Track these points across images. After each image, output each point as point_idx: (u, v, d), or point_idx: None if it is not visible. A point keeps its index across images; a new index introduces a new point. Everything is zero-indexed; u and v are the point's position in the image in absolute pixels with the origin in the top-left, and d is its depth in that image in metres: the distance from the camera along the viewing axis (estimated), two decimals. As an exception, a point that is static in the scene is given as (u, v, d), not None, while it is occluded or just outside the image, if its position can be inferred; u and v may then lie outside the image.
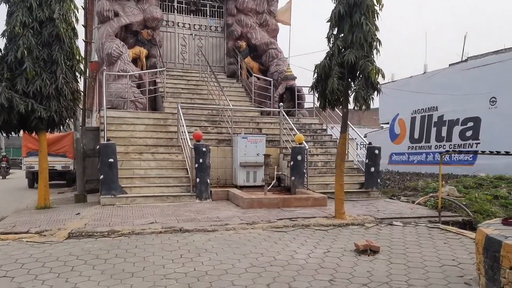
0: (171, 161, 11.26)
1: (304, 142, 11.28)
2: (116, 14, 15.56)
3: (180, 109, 11.85)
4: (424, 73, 21.20)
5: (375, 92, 7.82)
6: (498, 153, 7.33)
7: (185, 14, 17.57)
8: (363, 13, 7.62)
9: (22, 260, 5.39)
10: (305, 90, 15.55)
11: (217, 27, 17.94)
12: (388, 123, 23.47)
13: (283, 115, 12.76)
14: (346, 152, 10.78)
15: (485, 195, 10.32)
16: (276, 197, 9.58)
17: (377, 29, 7.88)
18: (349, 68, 7.68)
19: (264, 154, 10.47)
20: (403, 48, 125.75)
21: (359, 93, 7.55)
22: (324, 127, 14.49)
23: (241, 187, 11.35)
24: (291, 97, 15.53)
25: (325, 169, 12.26)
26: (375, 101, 8.52)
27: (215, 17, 17.94)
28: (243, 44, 17.06)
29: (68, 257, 5.56)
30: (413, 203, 10.07)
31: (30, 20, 9.76)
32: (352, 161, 12.78)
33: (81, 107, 13.44)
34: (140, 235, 6.79)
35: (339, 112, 12.02)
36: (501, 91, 16.43)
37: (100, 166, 9.66)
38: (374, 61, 7.81)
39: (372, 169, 11.40)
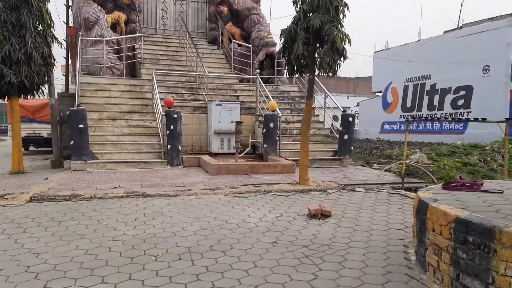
0: (145, 128, 11.27)
1: (277, 109, 11.29)
2: (95, -22, 15.17)
3: (154, 76, 11.77)
4: (419, 40, 20.97)
5: (342, 58, 7.76)
6: (459, 119, 7.38)
7: (165, -23, 17.18)
8: (330, -24, 7.48)
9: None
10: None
11: (197, -10, 17.57)
12: (381, 92, 23.38)
13: (260, 82, 12.68)
14: (311, 119, 10.68)
15: (455, 162, 10.48)
16: (244, 163, 9.67)
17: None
18: (315, 33, 7.61)
19: (235, 121, 10.48)
20: (399, 15, 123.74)
21: (324, 59, 7.51)
22: (303, 95, 14.43)
23: (215, 154, 11.43)
24: (272, 64, 15.41)
25: (299, 136, 12.27)
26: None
27: (196, -20, 17.55)
28: (224, 9, 16.76)
29: (24, 219, 5.66)
30: (383, 171, 10.20)
31: (-4, -18, 9.53)
32: (329, 129, 12.83)
33: (54, 72, 13.26)
34: (102, 199, 6.89)
35: (318, 80, 12.08)
36: (495, 59, 16.29)
37: (70, 132, 9.68)
38: (342, 26, 7.74)
39: (346, 136, 11.47)
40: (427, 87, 19.66)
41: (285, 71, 15.66)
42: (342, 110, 11.93)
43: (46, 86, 11.85)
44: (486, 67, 16.81)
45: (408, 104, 20.95)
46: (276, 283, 3.67)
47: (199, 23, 17.57)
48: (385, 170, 10.00)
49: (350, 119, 11.49)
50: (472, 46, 17.04)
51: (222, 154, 11.48)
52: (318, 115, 13.40)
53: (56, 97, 12.89)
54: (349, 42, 7.73)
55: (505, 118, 7.64)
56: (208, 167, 9.48)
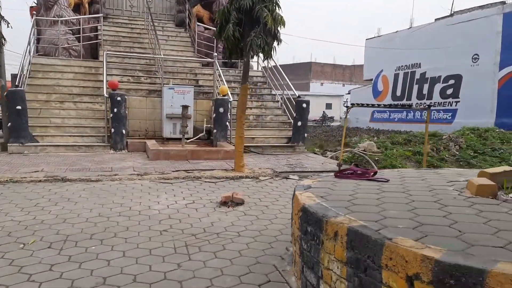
0: (93, 111, 11.02)
1: (229, 93, 11.03)
2: (57, -46, 14.71)
3: (105, 57, 11.45)
4: (410, 27, 20.66)
5: (275, 41, 7.52)
6: (402, 107, 7.18)
7: (132, -44, 16.72)
8: (261, -47, 7.19)
9: None
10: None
11: (168, -29, 17.13)
12: (371, 80, 23.12)
13: (217, 66, 12.39)
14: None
15: (405, 151, 10.32)
16: (185, 149, 9.46)
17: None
18: (246, 13, 7.34)
19: (182, 105, 10.24)
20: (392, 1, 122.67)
21: (254, 40, 7.25)
22: (264, 81, 14.18)
23: (167, 139, 11.22)
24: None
25: (256, 122, 12.13)
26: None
27: (165, -40, 17.10)
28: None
29: None
30: (329, 158, 10.04)
31: None
32: (286, 115, 12.60)
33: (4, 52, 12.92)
34: (18, 183, 6.68)
35: (278, 66, 11.81)
36: (484, 48, 16.02)
37: (8, 113, 9.42)
38: (278, 7, 7.49)
39: (299, 123, 11.26)
40: (417, 76, 19.44)
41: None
42: (297, 96, 11.66)
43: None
44: (475, 56, 16.57)
45: (398, 93, 20.73)
46: (129, 274, 3.50)
47: (168, 5, 17.18)
48: (330, 158, 9.83)
49: (304, 105, 11.26)
50: (462, 34, 16.75)
51: (175, 139, 11.25)
52: (278, 101, 13.17)
53: (8, 78, 12.56)
54: (283, 24, 7.49)
55: (426, 105, 7.44)
56: (148, 152, 9.27)
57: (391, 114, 21.04)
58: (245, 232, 4.66)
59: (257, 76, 14.32)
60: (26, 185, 6.61)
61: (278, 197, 6.37)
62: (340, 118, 38.46)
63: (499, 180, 3.86)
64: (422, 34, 19.05)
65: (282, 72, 12.67)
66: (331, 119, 37.53)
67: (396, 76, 20.80)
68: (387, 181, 4.19)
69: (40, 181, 6.81)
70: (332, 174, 4.69)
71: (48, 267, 3.60)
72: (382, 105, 8.02)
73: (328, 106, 43.96)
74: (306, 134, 11.52)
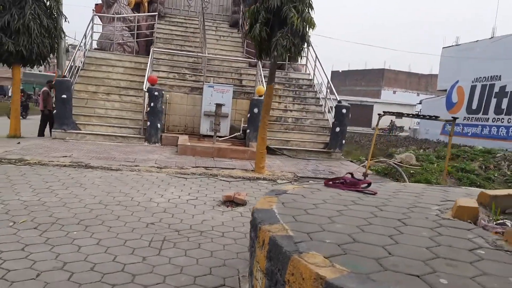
0: (135, 104, 11.44)
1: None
2: (123, -45, 15.52)
3: (152, 54, 11.86)
4: (491, 37, 19.43)
5: (302, 42, 7.31)
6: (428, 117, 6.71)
7: (194, -42, 17.17)
8: (293, -47, 7.04)
9: None
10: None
11: (227, -27, 17.40)
12: (446, 91, 22.06)
13: (260, 67, 12.33)
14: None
15: (448, 167, 9.60)
16: (211, 146, 9.49)
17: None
18: (274, 13, 7.21)
19: (215, 103, 10.30)
20: (472, 10, 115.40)
21: (280, 41, 7.10)
22: (310, 84, 13.88)
23: (204, 136, 11.36)
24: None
25: (294, 125, 11.90)
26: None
27: (225, -37, 17.38)
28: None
29: (-50, 177, 5.97)
30: (361, 166, 9.59)
31: (-1, -46, 10.00)
32: (327, 120, 12.23)
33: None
34: (44, 166, 7.08)
35: (319, 68, 11.53)
36: None
37: (55, 101, 10.05)
38: (309, 8, 7.29)
39: (338, 129, 10.89)
40: (496, 89, 18.20)
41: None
42: (337, 101, 11.28)
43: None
44: None
45: (474, 106, 19.53)
46: (90, 262, 3.53)
47: (225, 6, 17.44)
48: (362, 166, 9.37)
49: (344, 110, 10.86)
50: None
51: (211, 136, 11.34)
52: (321, 105, 12.84)
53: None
54: (312, 26, 7.27)
55: (452, 117, 6.80)
56: (177, 147, 9.45)
57: (465, 128, 19.79)
58: (230, 234, 4.56)
59: (303, 79, 14.07)
60: (51, 168, 6.99)
61: (286, 202, 6.16)
62: (409, 128, 36.84)
63: (500, 203, 3.44)
64: (505, 44, 17.72)
65: (326, 76, 12.34)
66: (400, 129, 35.99)
67: (473, 88, 19.52)
68: (374, 194, 3.88)
69: (64, 165, 7.17)
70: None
71: (21, 247, 3.74)
72: (411, 115, 7.52)
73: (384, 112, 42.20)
74: (344, 141, 11.11)
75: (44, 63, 12.01)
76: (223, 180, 7.26)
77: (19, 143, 9.16)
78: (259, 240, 2.56)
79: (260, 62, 12.30)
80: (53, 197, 5.36)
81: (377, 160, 9.53)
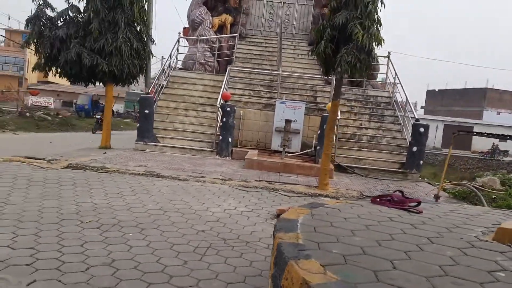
0: (210, 119, 11.99)
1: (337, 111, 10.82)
2: (208, -17, 16.59)
3: (228, 72, 12.41)
4: None
5: (369, 58, 7.20)
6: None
7: (276, -18, 17.70)
8: (360, -31, 7.02)
9: (18, 176, 6.75)
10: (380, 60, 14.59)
11: (307, -6, 17.65)
12: None
13: (333, 84, 12.23)
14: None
15: (539, 192, 8.65)
16: (278, 161, 9.57)
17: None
18: (340, 30, 7.21)
19: (285, 119, 10.41)
20: None
21: (344, 57, 7.06)
22: (389, 101, 13.42)
23: (275, 152, 11.53)
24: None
25: (368, 143, 11.58)
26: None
27: (306, -16, 17.66)
28: (328, 12, 16.50)
29: (43, 179, 6.77)
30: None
31: (99, -13, 11.22)
32: (405, 139, 11.69)
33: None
34: (121, 173, 7.73)
35: (401, 85, 11.08)
36: None
37: (138, 115, 10.91)
38: (376, 24, 7.19)
39: (415, 148, 10.37)
40: None
41: (377, 75, 14.91)
42: (415, 119, 10.76)
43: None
44: None
45: None
46: (135, 261, 3.79)
47: (304, 26, 17.66)
48: (437, 188, 8.78)
49: (421, 129, 10.33)
50: None
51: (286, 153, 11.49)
52: (400, 124, 12.33)
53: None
54: (379, 42, 7.14)
55: None
56: (245, 161, 9.70)
57: None
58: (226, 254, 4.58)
59: (382, 96, 13.67)
60: (126, 176, 7.60)
61: (343, 220, 6.02)
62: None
63: None
64: None
65: (405, 94, 11.88)
66: (504, 153, 33.09)
67: None
68: (420, 212, 3.67)
69: (138, 174, 7.76)
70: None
71: (81, 243, 4.14)
72: (491, 134, 6.80)
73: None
74: (421, 161, 10.53)
75: (134, 82, 13.18)
76: (284, 195, 7.30)
77: (105, 153, 10.09)
78: (273, 247, 2.59)
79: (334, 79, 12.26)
80: (121, 202, 5.83)
81: (456, 183, 8.89)
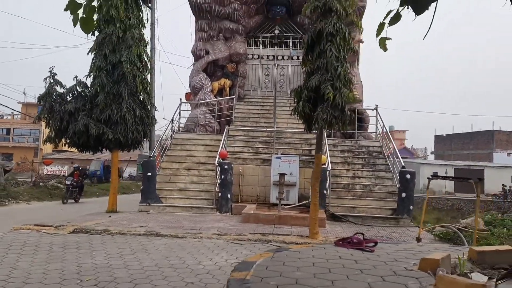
0: (210, 177, 12.62)
1: (328, 163, 11.42)
2: (207, 52, 17.90)
3: (226, 132, 13.23)
4: None
5: (343, 115, 7.90)
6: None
7: (269, 47, 18.96)
8: (329, 40, 7.91)
9: (27, 243, 7.35)
10: (370, 112, 15.36)
11: (298, 56, 18.80)
12: None
13: (325, 137, 12.93)
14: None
15: None
16: (272, 214, 10.06)
17: (350, 52, 8.11)
18: (316, 91, 7.99)
19: (279, 173, 11.01)
20: None
21: (320, 115, 7.78)
22: (380, 151, 14.00)
23: (273, 205, 12.02)
24: (359, 119, 15.43)
25: (361, 192, 12.04)
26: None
27: (297, 48, 18.88)
28: (304, 75, 17.60)
29: (49, 244, 7.36)
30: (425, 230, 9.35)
31: (104, 64, 12.33)
32: (395, 185, 12.15)
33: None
34: (122, 235, 8.28)
35: (390, 137, 11.75)
36: None
37: (142, 178, 11.62)
38: (346, 84, 7.97)
39: (404, 194, 10.83)
40: None
41: (368, 126, 15.61)
42: (401, 166, 11.29)
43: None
44: None
45: None
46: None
47: (297, 84, 18.66)
48: (426, 230, 9.14)
49: (408, 176, 10.84)
50: None
51: (282, 205, 11.97)
52: (390, 171, 12.84)
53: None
54: (351, 100, 7.88)
55: (478, 179, 6.49)
56: (241, 215, 10.21)
57: None
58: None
59: (373, 146, 14.28)
60: (128, 237, 8.15)
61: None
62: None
63: (489, 259, 3.59)
64: None
65: (393, 142, 12.51)
66: None
67: None
68: (372, 251, 4.17)
69: (139, 234, 8.31)
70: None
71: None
72: (454, 178, 7.14)
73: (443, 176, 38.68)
74: (411, 206, 10.93)
75: (138, 147, 14.04)
76: (275, 245, 7.73)
77: (110, 216, 10.70)
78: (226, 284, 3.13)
79: (325, 133, 12.98)
80: (119, 261, 6.35)
81: (441, 225, 9.25)
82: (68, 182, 17.27)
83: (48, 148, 51.49)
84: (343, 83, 7.91)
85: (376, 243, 4.51)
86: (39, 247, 7.08)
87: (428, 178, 7.79)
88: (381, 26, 3.85)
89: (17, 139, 49.00)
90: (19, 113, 42.68)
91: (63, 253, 6.76)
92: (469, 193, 35.31)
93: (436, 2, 2.94)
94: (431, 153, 64.47)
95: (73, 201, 17.19)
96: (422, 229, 7.83)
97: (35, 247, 7.07)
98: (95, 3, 3.09)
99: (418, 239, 7.62)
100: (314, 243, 7.88)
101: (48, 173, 38.96)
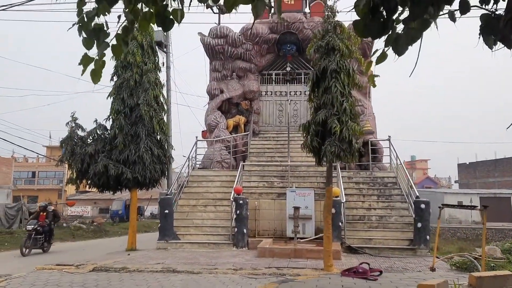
0: (227, 213, 12.80)
1: (342, 195, 11.53)
2: (222, 91, 18.52)
3: (241, 168, 13.51)
4: None
5: (350, 148, 8.11)
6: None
7: (282, 83, 19.46)
8: (334, 76, 8.26)
9: (48, 282, 7.63)
10: (383, 144, 15.47)
11: (311, 90, 19.22)
12: None
13: (339, 170, 13.08)
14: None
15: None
16: (288, 248, 10.13)
17: (356, 87, 8.44)
18: (323, 125, 8.26)
19: (293, 207, 11.14)
20: None
21: (327, 148, 8.01)
22: (395, 181, 14.00)
23: (290, 239, 12.08)
24: (373, 151, 15.55)
25: (377, 223, 12.02)
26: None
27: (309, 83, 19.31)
28: (311, 110, 17.92)
29: (69, 282, 7.62)
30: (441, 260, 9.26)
31: (122, 107, 12.95)
32: (411, 216, 12.08)
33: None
34: (140, 272, 8.49)
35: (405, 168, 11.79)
36: None
37: (159, 216, 11.89)
38: (352, 118, 8.23)
39: (419, 224, 10.79)
40: None
41: (382, 157, 15.69)
42: (415, 196, 11.29)
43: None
44: None
45: None
46: None
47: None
48: (442, 260, 9.04)
49: (423, 206, 10.83)
50: None
51: (297, 238, 12.02)
52: (406, 202, 12.81)
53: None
54: (358, 133, 8.11)
55: (483, 206, 6.48)
56: (257, 249, 10.30)
57: None
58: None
59: (388, 177, 14.30)
60: (145, 274, 8.35)
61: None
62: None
63: (484, 284, 3.69)
64: None
65: (407, 173, 12.53)
66: None
67: None
68: (375, 280, 4.28)
69: (156, 271, 8.50)
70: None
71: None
72: (461, 206, 7.18)
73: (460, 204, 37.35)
74: (428, 236, 10.84)
75: (156, 185, 14.42)
76: (291, 281, 7.78)
77: (129, 254, 10.95)
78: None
79: (339, 165, 13.15)
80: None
81: (457, 254, 9.16)
82: (29, 227, 13.42)
83: (71, 189, 52.58)
84: (349, 117, 8.17)
85: (381, 272, 4.63)
86: (59, 286, 7.34)
87: (439, 207, 7.83)
88: (368, 64, 4.15)
89: (42, 181, 50.32)
90: (44, 156, 44.06)
91: (84, 290, 7.00)
92: (498, 221, 34.31)
93: (420, 42, 3.18)
94: (455, 181, 63.21)
95: (40, 250, 13.62)
96: (437, 257, 7.80)
97: (56, 286, 7.34)
98: (105, 59, 3.47)
99: (433, 269, 7.58)
100: (322, 274, 7.94)
101: (71, 214, 39.75)
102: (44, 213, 14.12)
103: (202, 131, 19.46)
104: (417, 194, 11.55)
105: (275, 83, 19.46)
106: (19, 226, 22.08)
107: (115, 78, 13.01)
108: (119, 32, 3.48)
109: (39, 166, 50.30)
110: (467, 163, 60.44)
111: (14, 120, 67.60)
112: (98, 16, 3.32)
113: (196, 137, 16.20)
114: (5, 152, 59.21)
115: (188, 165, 15.06)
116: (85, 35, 3.34)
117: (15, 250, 15.44)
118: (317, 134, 8.36)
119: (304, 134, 8.82)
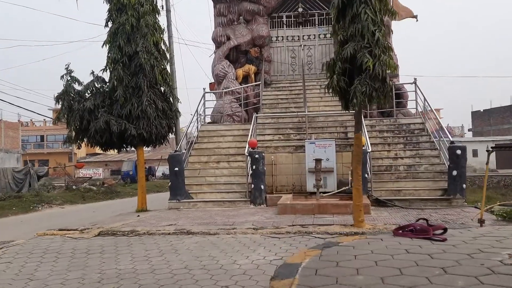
0: (242, 169, 11.88)
1: (367, 144, 10.46)
2: (228, 38, 17.14)
3: (254, 120, 12.44)
4: None
5: (384, 86, 6.97)
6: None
7: (293, 27, 17.98)
8: (363, 1, 6.96)
9: (48, 250, 6.84)
10: (408, 87, 14.24)
11: (325, 34, 17.75)
12: None
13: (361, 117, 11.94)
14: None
15: None
16: (311, 203, 9.23)
17: (387, 14, 7.14)
18: (351, 62, 7.08)
19: (314, 159, 10.15)
20: None
21: (358, 87, 6.88)
22: (423, 127, 12.87)
23: (310, 194, 11.20)
24: (397, 96, 14.32)
25: (406, 173, 11.04)
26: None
27: (323, 25, 17.80)
28: (337, 45, 16.53)
29: (72, 249, 6.82)
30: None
31: (120, 56, 11.73)
32: (444, 164, 11.05)
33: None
34: (151, 235, 7.67)
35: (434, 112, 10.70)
36: None
37: (169, 174, 11.01)
38: (386, 51, 7.02)
39: (455, 172, 9.76)
40: None
41: (407, 102, 14.49)
42: (450, 141, 10.19)
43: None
44: None
45: None
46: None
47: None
48: (486, 210, 8.08)
49: (458, 151, 9.75)
50: None
51: (320, 193, 11.12)
52: (436, 149, 11.74)
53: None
54: (393, 69, 6.94)
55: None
56: (277, 206, 9.43)
57: None
58: None
59: (414, 123, 13.16)
60: (156, 237, 7.53)
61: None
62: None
63: None
64: None
65: (437, 116, 11.37)
66: None
67: None
68: (443, 240, 3.30)
69: (169, 233, 7.67)
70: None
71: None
72: None
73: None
74: (464, 185, 9.85)
75: (164, 142, 13.44)
76: (318, 237, 6.88)
77: (138, 216, 10.16)
78: None
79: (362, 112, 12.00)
80: (146, 265, 5.70)
81: (500, 203, 8.18)
82: None
83: (82, 152, 52.30)
84: (382, 50, 6.96)
85: (445, 229, 3.66)
86: (60, 254, 6.54)
87: (487, 151, 6.76)
88: None
89: (51, 145, 50.00)
90: (51, 119, 43.32)
91: (85, 259, 6.19)
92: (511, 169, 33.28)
93: None
94: (469, 130, 61.73)
95: None
96: (476, 207, 6.82)
97: (57, 254, 6.54)
98: None
99: (481, 221, 6.62)
100: (366, 233, 7.00)
101: (84, 176, 39.47)
102: None
103: (210, 83, 18.26)
104: (451, 139, 10.43)
105: (286, 27, 17.99)
106: (28, 190, 21.55)
107: (109, 24, 11.75)
108: None
109: (46, 130, 49.79)
110: (482, 110, 58.69)
111: (16, 81, 66.23)
112: None
113: (204, 88, 15.04)
114: (12, 116, 58.72)
115: (197, 119, 14.02)
116: None
117: (23, 214, 14.94)
118: (343, 73, 7.19)
119: (329, 74, 7.64)
